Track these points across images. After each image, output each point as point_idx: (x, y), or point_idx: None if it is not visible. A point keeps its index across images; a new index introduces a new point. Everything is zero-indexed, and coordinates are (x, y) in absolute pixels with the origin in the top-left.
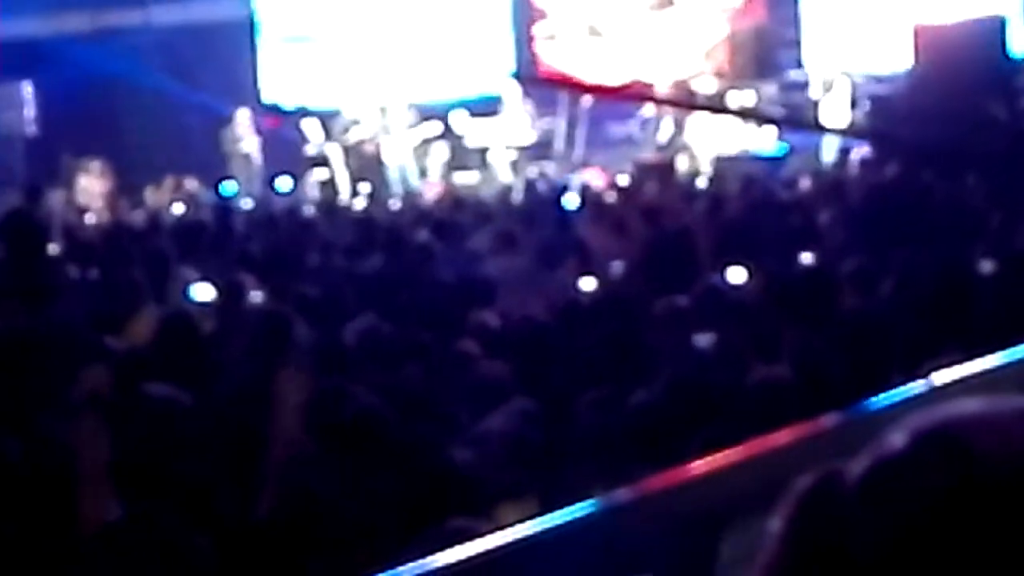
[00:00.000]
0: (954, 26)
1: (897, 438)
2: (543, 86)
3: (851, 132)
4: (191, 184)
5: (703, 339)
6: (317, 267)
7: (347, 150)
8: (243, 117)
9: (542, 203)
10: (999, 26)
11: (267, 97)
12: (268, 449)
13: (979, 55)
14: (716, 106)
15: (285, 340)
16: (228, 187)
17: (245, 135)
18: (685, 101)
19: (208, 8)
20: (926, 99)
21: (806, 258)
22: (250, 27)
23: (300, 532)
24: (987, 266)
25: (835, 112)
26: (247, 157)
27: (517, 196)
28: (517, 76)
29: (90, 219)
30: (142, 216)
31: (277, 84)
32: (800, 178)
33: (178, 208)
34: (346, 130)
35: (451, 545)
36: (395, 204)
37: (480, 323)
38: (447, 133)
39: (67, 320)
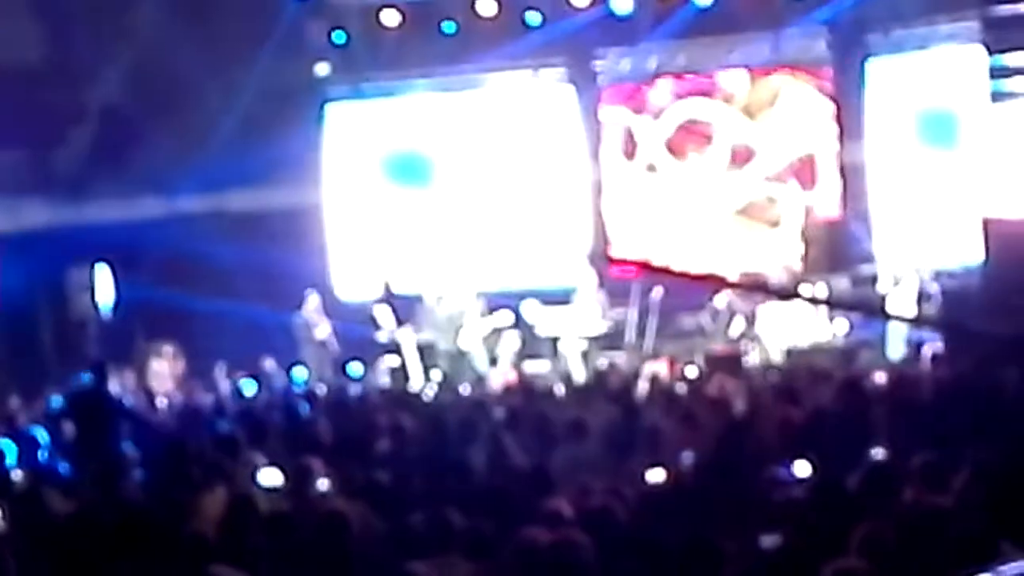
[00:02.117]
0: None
1: None
2: (619, 269)
3: (925, 323)
4: (268, 363)
5: (768, 540)
6: (387, 454)
7: (419, 338)
8: (313, 301)
9: (610, 393)
10: None
11: (341, 284)
12: None
13: None
14: (789, 294)
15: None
16: (298, 375)
17: (317, 320)
18: (757, 288)
19: (281, 194)
20: (998, 293)
21: (876, 453)
22: (321, 213)
23: None
24: None
25: (903, 306)
26: (320, 343)
27: (587, 385)
28: (592, 260)
29: (162, 402)
30: (212, 399)
31: (350, 271)
32: (871, 372)
33: (249, 387)
34: (419, 319)
35: None
36: (465, 391)
37: (554, 511)
38: (518, 322)
39: (136, 503)
